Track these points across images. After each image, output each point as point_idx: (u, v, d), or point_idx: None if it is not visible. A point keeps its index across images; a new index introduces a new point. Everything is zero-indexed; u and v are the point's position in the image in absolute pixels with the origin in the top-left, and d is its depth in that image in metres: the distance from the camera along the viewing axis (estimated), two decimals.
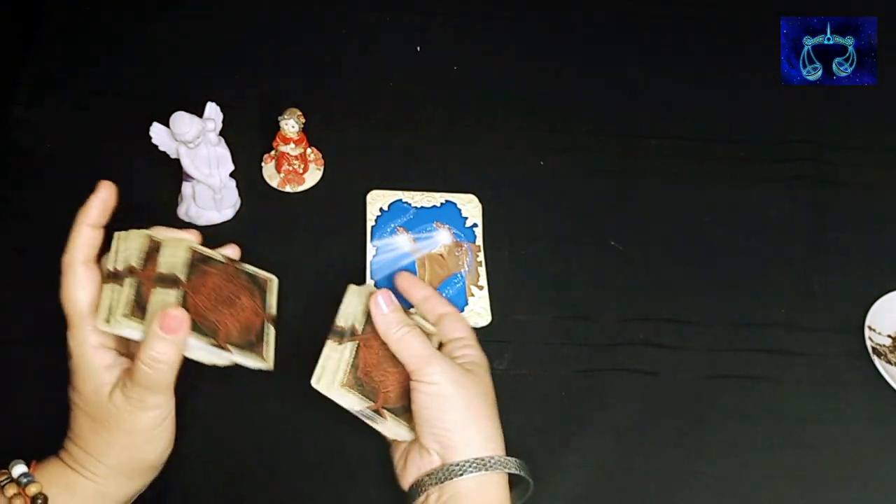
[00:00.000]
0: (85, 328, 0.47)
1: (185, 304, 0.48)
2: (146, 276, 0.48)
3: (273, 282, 0.55)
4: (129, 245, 0.50)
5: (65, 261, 0.47)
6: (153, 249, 0.50)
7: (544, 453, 0.58)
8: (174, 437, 0.50)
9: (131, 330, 0.46)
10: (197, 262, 0.51)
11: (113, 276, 0.48)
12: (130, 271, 0.48)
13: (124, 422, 0.47)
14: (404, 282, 0.59)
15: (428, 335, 0.54)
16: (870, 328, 0.65)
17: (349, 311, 0.54)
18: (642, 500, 0.58)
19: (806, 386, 0.63)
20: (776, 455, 0.60)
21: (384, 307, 0.52)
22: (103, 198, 0.48)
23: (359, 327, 0.53)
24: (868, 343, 0.64)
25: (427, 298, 0.58)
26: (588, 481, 0.58)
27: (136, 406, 0.46)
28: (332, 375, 0.51)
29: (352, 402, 0.51)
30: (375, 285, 0.63)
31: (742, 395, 0.62)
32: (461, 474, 0.49)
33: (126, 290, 0.47)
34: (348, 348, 0.52)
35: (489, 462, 0.49)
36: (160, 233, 0.52)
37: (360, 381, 0.51)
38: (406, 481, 0.52)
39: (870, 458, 0.60)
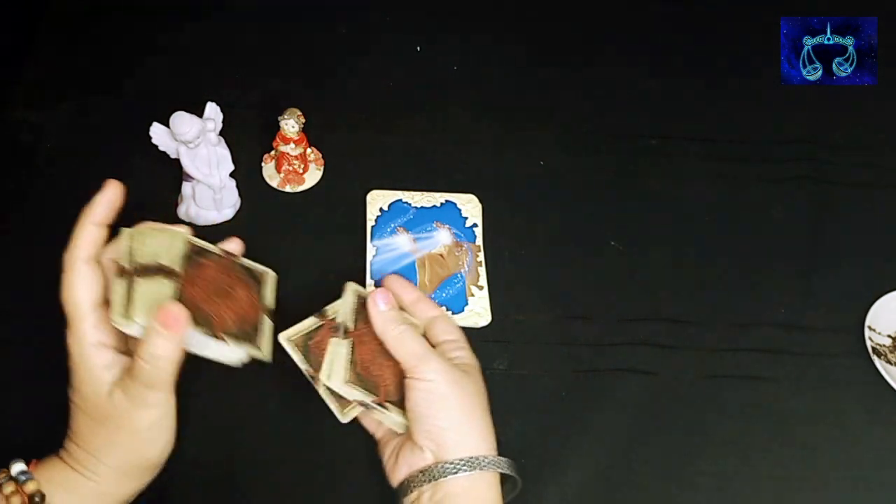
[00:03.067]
0: (84, 327, 0.46)
1: (181, 297, 0.48)
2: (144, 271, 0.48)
3: (269, 275, 0.55)
4: (147, 242, 0.49)
5: (67, 258, 0.47)
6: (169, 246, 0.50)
7: (544, 453, 0.58)
8: (174, 436, 0.49)
9: (139, 327, 0.46)
10: (193, 255, 0.51)
11: (124, 273, 0.47)
12: (146, 270, 0.48)
13: (124, 421, 0.47)
14: (393, 285, 0.59)
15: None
16: (870, 328, 0.65)
17: (347, 308, 0.55)
18: (642, 500, 0.58)
19: (806, 386, 0.63)
20: (776, 455, 0.60)
21: (382, 305, 0.53)
22: (109, 197, 0.48)
23: (350, 325, 0.54)
24: (868, 343, 0.64)
25: (416, 301, 0.58)
26: (588, 481, 0.58)
27: (136, 404, 0.46)
28: (341, 371, 0.51)
29: (357, 396, 0.51)
30: (375, 285, 0.63)
31: (742, 395, 0.62)
32: (455, 472, 0.49)
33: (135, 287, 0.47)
34: (345, 345, 0.53)
35: (482, 461, 0.49)
36: (154, 227, 0.51)
37: (360, 376, 0.52)
38: (396, 478, 0.52)
39: (870, 458, 0.60)
